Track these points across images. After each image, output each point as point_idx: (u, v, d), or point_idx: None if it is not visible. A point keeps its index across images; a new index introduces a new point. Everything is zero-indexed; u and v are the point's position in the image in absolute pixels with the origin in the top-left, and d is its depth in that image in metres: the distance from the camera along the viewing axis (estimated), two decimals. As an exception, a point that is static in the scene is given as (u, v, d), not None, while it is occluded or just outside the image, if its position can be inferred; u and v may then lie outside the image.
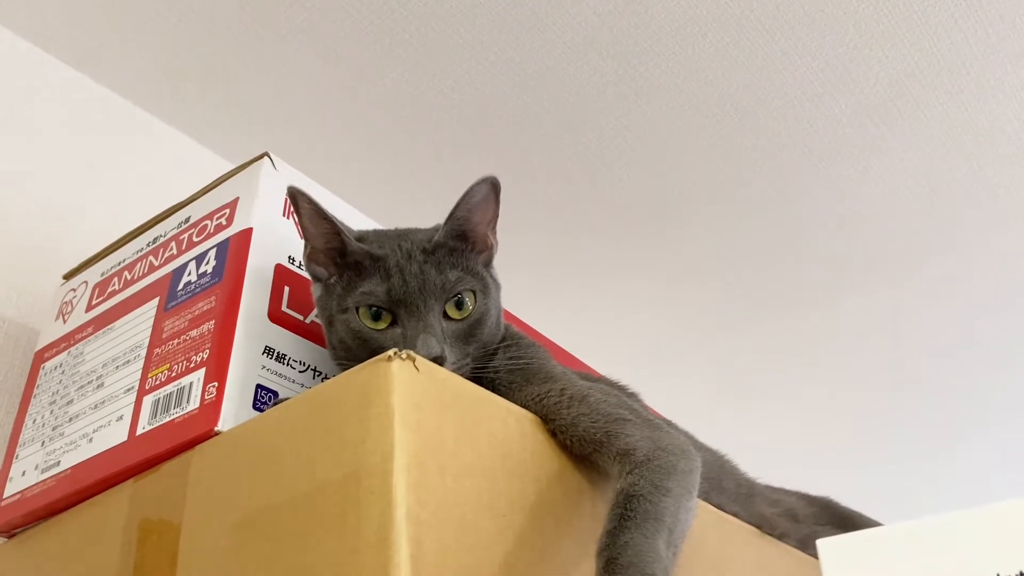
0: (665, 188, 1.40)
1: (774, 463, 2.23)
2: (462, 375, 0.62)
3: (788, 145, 1.33)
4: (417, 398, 0.54)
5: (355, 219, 0.80)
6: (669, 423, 0.84)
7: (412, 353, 0.55)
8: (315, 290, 0.70)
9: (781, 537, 0.87)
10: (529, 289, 1.61)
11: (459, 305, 0.65)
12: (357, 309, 0.64)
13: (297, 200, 0.67)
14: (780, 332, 1.79)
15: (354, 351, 0.65)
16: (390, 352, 0.54)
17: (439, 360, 0.60)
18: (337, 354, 0.67)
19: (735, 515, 0.82)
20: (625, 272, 1.60)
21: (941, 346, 1.84)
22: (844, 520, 0.97)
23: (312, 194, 0.67)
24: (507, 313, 1.01)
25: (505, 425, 0.60)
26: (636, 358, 1.86)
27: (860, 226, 1.50)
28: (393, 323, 0.64)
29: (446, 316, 0.65)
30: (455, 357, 0.63)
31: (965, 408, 2.05)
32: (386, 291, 0.64)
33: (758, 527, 0.84)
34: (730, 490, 0.83)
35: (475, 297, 0.66)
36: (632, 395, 0.78)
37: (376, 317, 0.64)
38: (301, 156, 1.31)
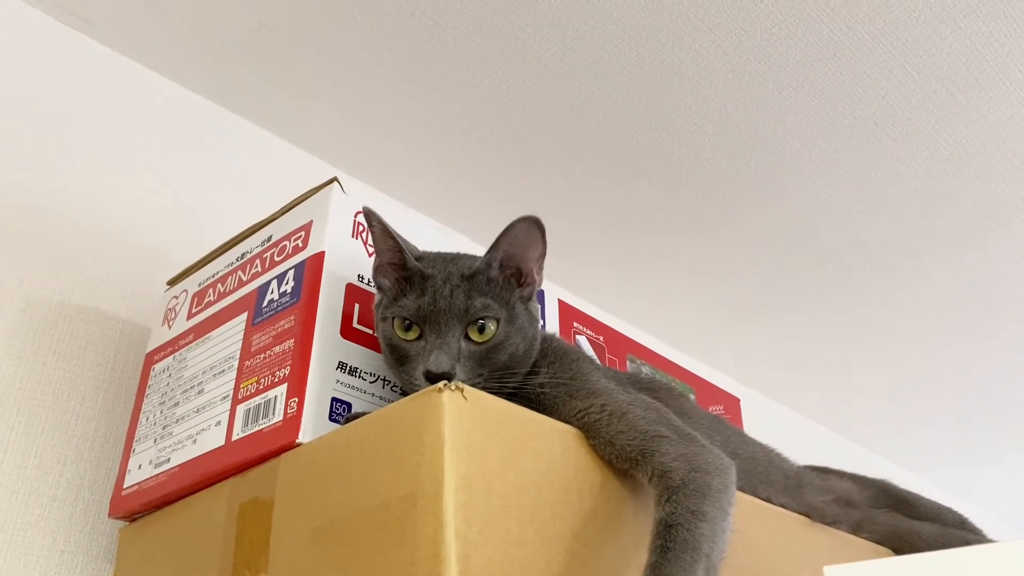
0: (752, 160, 1.41)
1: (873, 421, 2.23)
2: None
3: (863, 119, 1.31)
4: (465, 425, 0.60)
5: (426, 228, 0.86)
6: (717, 420, 0.88)
7: (460, 384, 0.61)
8: (376, 298, 0.78)
9: (832, 524, 0.90)
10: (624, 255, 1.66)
11: (481, 330, 0.70)
12: (393, 320, 0.72)
13: (369, 219, 0.75)
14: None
15: (388, 356, 0.73)
16: (440, 384, 0.61)
17: (447, 375, 0.66)
18: (384, 357, 0.75)
19: (783, 506, 0.86)
20: (712, 235, 1.62)
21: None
22: (900, 503, 0.99)
23: (382, 212, 0.75)
24: (572, 309, 1.06)
25: (549, 442, 0.66)
26: (730, 320, 1.89)
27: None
28: (420, 336, 0.71)
29: (468, 338, 0.70)
30: (465, 375, 0.69)
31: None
32: (416, 307, 0.71)
33: (807, 516, 0.88)
34: (778, 483, 0.87)
35: (497, 325, 0.71)
36: (679, 396, 0.83)
37: (407, 328, 0.71)
38: (387, 156, 1.38)
